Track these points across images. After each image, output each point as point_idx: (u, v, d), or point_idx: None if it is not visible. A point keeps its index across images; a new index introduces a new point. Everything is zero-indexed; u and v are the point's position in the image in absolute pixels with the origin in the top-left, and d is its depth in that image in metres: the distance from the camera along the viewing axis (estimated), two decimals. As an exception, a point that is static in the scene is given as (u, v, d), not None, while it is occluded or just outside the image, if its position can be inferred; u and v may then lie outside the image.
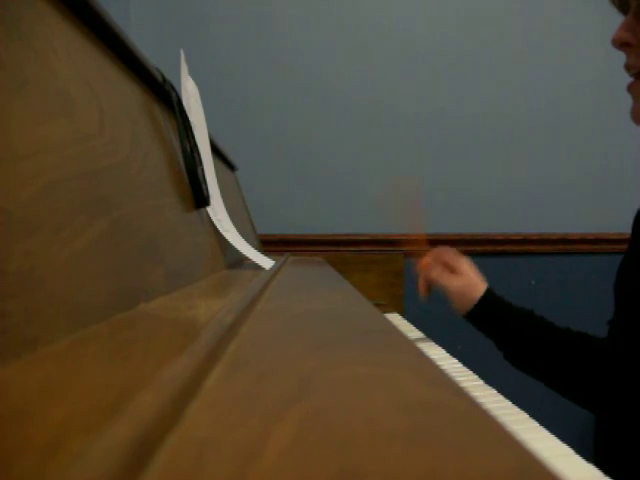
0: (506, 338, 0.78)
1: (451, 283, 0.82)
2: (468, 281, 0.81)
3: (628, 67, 0.62)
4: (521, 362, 0.79)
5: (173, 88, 0.59)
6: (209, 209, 0.64)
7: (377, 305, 0.85)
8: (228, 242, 0.68)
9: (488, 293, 0.80)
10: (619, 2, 0.64)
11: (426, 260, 0.86)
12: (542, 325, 0.77)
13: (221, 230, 0.67)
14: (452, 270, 0.84)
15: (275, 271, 0.57)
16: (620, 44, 0.61)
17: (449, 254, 0.85)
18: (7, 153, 0.22)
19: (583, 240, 1.55)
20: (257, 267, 0.70)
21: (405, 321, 1.04)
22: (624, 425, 0.64)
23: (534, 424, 0.47)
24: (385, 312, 1.09)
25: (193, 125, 0.62)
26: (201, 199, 0.58)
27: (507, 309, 0.79)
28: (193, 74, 0.73)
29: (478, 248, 1.51)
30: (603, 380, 0.70)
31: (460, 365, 0.69)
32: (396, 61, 1.50)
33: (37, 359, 0.18)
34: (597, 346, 0.73)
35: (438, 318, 1.30)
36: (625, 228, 0.75)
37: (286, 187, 1.45)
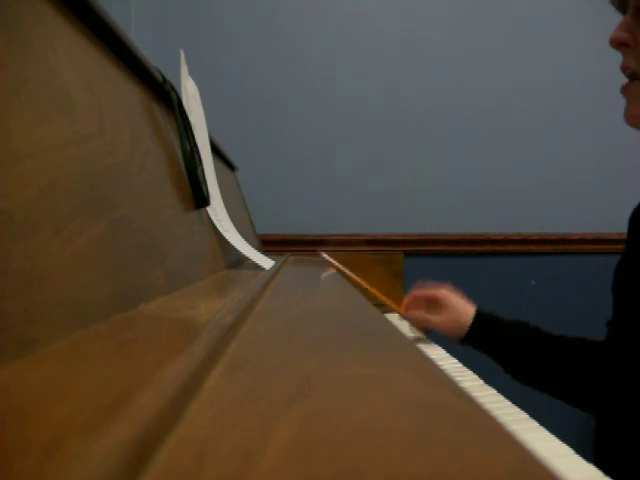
0: (504, 354, 0.78)
1: (436, 320, 0.81)
2: (453, 311, 0.80)
3: (624, 68, 0.62)
4: (522, 375, 0.78)
5: (173, 88, 0.59)
6: (209, 209, 0.64)
7: (377, 305, 0.85)
8: (228, 242, 0.68)
9: (478, 315, 0.79)
10: (618, 1, 0.63)
11: (406, 303, 0.86)
12: (538, 336, 0.77)
13: (221, 230, 0.67)
14: (435, 304, 0.83)
15: (275, 271, 0.57)
16: (618, 44, 0.61)
17: (426, 290, 0.84)
18: (7, 153, 0.22)
19: (583, 240, 1.55)
20: (257, 267, 0.70)
21: (405, 321, 1.04)
22: (624, 425, 0.64)
23: (534, 424, 0.47)
24: (385, 312, 1.09)
25: (193, 125, 0.62)
26: (201, 199, 0.58)
27: (500, 326, 0.79)
28: (193, 74, 0.73)
29: (478, 248, 1.51)
30: (602, 382, 0.69)
31: (460, 365, 0.69)
32: (396, 62, 1.50)
33: (37, 359, 0.18)
34: (595, 349, 0.73)
35: (438, 318, 1.30)
36: (625, 228, 0.75)
37: (286, 187, 1.45)
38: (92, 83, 0.36)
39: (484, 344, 0.79)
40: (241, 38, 1.44)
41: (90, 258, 0.26)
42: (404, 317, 0.86)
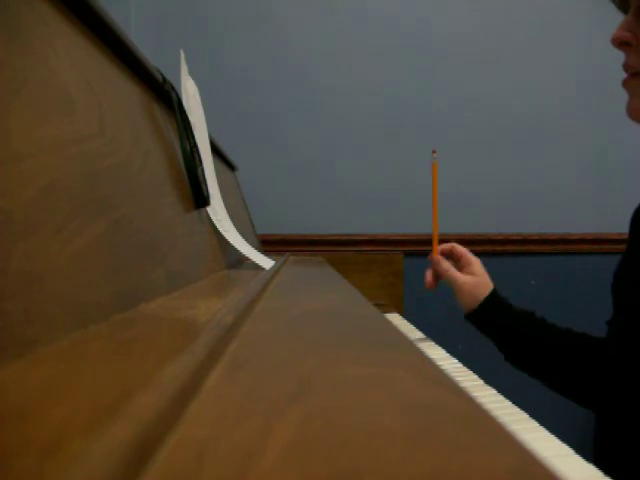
0: (508, 339, 0.79)
1: (460, 278, 0.82)
2: (476, 279, 0.82)
3: (627, 67, 0.62)
4: (523, 363, 0.79)
5: (173, 88, 0.59)
6: (209, 209, 0.64)
7: (377, 305, 0.85)
8: (228, 242, 0.68)
9: (493, 293, 0.81)
10: (619, 1, 0.64)
11: (438, 252, 0.87)
12: (544, 326, 0.78)
13: (221, 230, 0.67)
14: (462, 266, 0.85)
15: (275, 271, 0.57)
16: (619, 43, 0.61)
17: (461, 250, 0.86)
18: (7, 153, 0.22)
19: (583, 240, 1.55)
20: (257, 267, 0.70)
21: (405, 321, 1.04)
22: (624, 425, 0.64)
23: (534, 424, 0.47)
24: (385, 312, 1.09)
25: (193, 125, 0.62)
26: (201, 199, 0.58)
27: (510, 310, 0.80)
28: (193, 74, 0.73)
29: (478, 248, 1.51)
30: (603, 380, 0.70)
31: (460, 365, 0.69)
32: (396, 62, 1.50)
33: (37, 359, 0.18)
34: (598, 346, 0.74)
35: (438, 318, 1.30)
36: (625, 228, 0.75)
37: (286, 187, 1.45)
38: (92, 83, 0.36)
39: (488, 325, 0.80)
40: (241, 38, 1.44)
41: (90, 258, 0.26)
42: (433, 257, 0.87)
